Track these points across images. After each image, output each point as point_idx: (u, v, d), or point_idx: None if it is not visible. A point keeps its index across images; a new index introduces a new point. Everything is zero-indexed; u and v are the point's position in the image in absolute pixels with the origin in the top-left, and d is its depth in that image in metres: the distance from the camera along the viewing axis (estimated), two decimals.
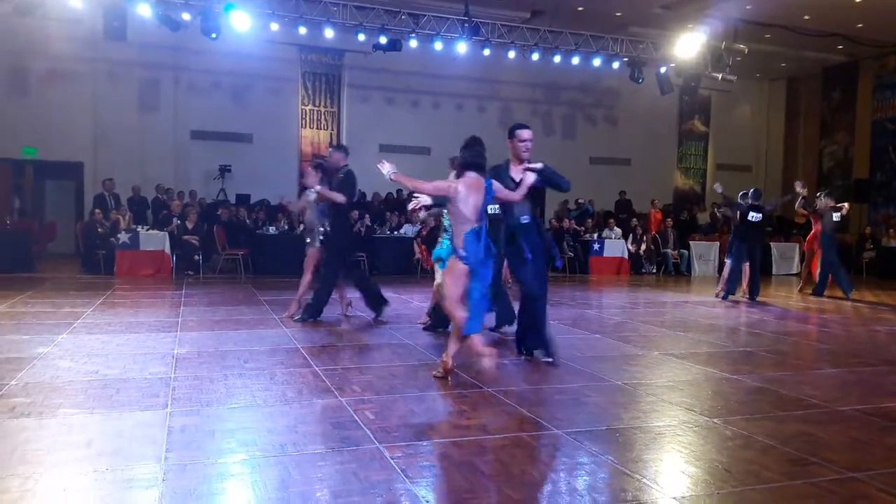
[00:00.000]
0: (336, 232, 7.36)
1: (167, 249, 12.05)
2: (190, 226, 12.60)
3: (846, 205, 11.81)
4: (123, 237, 11.93)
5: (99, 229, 12.22)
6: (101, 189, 13.63)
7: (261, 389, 4.55)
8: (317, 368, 5.14)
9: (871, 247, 16.34)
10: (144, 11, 11.61)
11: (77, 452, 3.30)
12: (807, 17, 14.46)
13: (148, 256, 11.92)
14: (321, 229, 7.41)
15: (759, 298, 10.58)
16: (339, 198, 7.21)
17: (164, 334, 6.45)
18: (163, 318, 7.46)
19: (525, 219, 5.47)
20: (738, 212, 10.58)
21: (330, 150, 7.91)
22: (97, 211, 12.60)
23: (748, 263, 10.60)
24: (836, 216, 11.11)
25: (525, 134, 5.48)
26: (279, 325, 7.06)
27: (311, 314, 7.38)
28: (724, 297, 10.52)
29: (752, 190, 10.87)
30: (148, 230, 12.29)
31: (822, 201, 11.29)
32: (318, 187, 7.22)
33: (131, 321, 7.15)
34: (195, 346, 5.91)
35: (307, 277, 7.53)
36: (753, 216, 10.43)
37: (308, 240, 7.60)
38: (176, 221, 12.58)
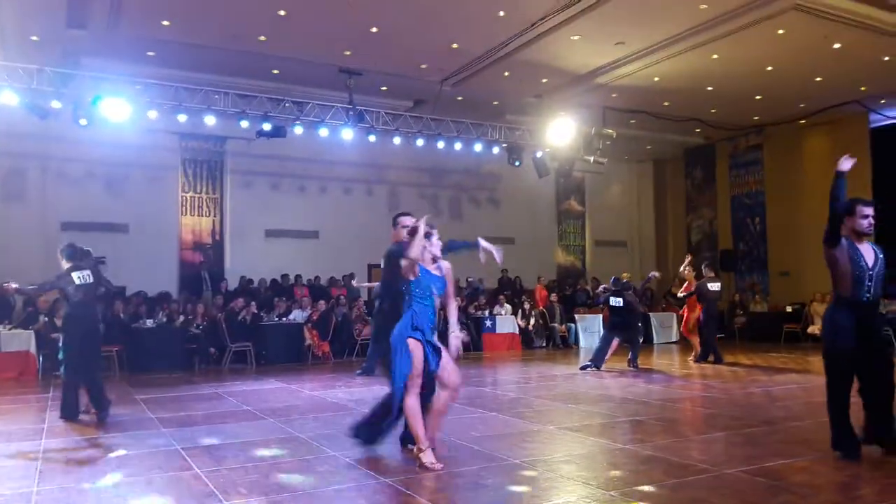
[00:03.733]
0: None
1: (33, 349, 11.15)
2: (59, 322, 11.72)
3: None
4: None
5: None
6: None
7: (136, 498, 4.17)
8: (199, 471, 4.79)
9: (740, 312, 17.44)
10: (9, 99, 11.06)
11: None
12: (667, 104, 15.71)
13: (10, 358, 10.96)
14: None
15: (642, 366, 11.04)
16: None
17: (27, 443, 5.86)
18: (26, 424, 6.80)
19: None
20: (601, 300, 11.55)
21: None
22: None
23: (617, 340, 11.25)
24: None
25: (407, 220, 5.38)
26: (157, 426, 6.58)
27: None
28: (583, 367, 11.01)
29: (612, 279, 11.68)
30: (11, 329, 11.36)
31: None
32: None
33: None
34: (62, 454, 5.39)
35: None
36: (613, 301, 11.23)
37: None
38: (43, 319, 11.70)
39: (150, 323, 12.54)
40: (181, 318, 13.05)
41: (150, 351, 12.02)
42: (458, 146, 15.01)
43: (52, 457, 5.32)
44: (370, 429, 5.32)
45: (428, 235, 4.90)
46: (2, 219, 14.03)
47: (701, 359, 11.76)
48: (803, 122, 16.79)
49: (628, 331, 11.25)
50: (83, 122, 11.37)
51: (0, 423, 6.87)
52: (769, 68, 13.39)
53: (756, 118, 17.06)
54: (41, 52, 11.72)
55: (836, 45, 12.19)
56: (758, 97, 15.27)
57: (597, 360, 10.98)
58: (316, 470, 4.81)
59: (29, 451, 5.55)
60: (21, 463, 5.12)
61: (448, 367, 4.82)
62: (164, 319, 12.78)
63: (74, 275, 7.10)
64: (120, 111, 11.55)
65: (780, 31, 11.60)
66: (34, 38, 11.52)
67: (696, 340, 12.09)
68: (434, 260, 4.96)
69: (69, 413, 6.98)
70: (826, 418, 4.91)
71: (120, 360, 11.75)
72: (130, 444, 5.77)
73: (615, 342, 11.20)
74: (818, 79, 13.96)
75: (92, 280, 7.18)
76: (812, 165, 17.65)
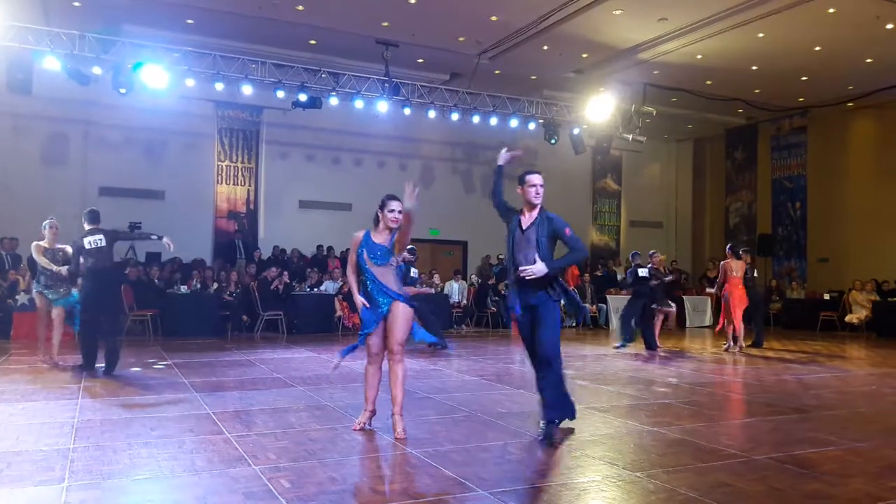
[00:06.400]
0: None
1: None
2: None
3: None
4: (22, 298, 11.25)
5: None
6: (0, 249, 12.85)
7: (168, 459, 4.26)
8: (229, 435, 4.87)
9: (776, 298, 17.11)
10: (52, 65, 11.24)
11: None
12: (709, 83, 15.36)
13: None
14: None
15: (675, 349, 10.91)
16: None
17: (63, 402, 6.02)
18: (63, 384, 6.98)
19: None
20: (628, 272, 11.45)
21: None
22: None
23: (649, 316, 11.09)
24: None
25: (535, 179, 5.41)
26: (189, 390, 6.71)
27: None
28: (619, 347, 10.97)
29: (632, 253, 11.71)
30: None
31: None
32: None
33: (27, 388, 6.66)
34: (98, 414, 5.52)
35: None
36: (642, 272, 11.11)
37: None
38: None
39: (184, 289, 12.76)
40: (215, 285, 13.25)
41: (184, 316, 12.24)
42: (493, 121, 14.89)
43: (88, 416, 5.45)
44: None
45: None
46: (43, 182, 14.32)
47: (758, 344, 11.53)
48: (851, 104, 16.29)
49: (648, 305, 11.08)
50: (123, 90, 11.53)
51: (38, 382, 7.07)
52: (817, 48, 13.00)
53: (801, 99, 16.61)
54: (83, 19, 11.86)
55: (889, 26, 11.77)
56: (804, 78, 14.85)
57: (625, 339, 11.00)
58: (344, 438, 4.86)
59: (65, 409, 5.70)
60: (58, 421, 5.25)
61: None
62: (198, 286, 12.98)
63: (86, 240, 7.67)
64: (158, 78, 11.68)
65: (831, 10, 11.24)
66: (76, 3, 11.65)
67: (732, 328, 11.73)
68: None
69: (86, 363, 7.67)
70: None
71: (154, 324, 12.00)
72: (163, 407, 5.90)
73: (660, 321, 11.14)
74: (868, 60, 13.53)
75: (104, 244, 7.70)
76: (858, 150, 17.17)
